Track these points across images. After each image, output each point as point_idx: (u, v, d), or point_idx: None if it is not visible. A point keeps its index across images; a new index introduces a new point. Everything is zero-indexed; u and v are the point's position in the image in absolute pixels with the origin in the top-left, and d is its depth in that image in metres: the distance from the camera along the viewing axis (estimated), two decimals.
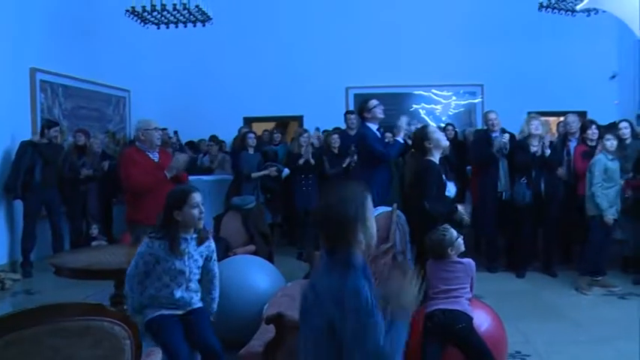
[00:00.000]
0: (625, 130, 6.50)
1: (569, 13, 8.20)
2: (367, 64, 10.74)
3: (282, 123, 11.27)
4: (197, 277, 3.48)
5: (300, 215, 7.72)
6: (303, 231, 7.78)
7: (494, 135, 7.03)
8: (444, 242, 3.54)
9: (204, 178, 8.01)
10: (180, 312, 3.40)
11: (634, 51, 9.51)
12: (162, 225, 3.38)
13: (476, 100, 11.30)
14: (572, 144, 6.82)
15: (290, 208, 8.04)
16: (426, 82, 11.13)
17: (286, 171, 7.67)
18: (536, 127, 6.58)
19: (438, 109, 11.46)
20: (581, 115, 10.62)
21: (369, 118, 5.83)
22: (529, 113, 7.18)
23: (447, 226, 3.68)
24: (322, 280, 2.05)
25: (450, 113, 11.38)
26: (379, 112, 5.82)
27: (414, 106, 11.41)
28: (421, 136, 4.48)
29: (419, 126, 6.04)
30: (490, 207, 6.89)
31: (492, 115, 7.22)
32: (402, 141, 5.96)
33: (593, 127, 6.73)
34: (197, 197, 3.37)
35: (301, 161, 7.60)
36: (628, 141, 6.48)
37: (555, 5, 7.97)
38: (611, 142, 5.98)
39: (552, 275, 6.58)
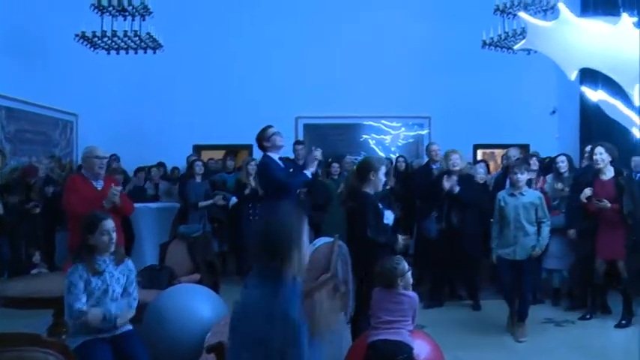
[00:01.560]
0: (562, 164, 6.72)
1: (510, 51, 8.54)
2: (317, 94, 10.85)
3: (232, 151, 11.24)
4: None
5: (247, 244, 7.70)
6: (249, 260, 7.76)
7: (434, 167, 7.22)
8: (396, 272, 3.59)
9: (151, 205, 7.93)
10: (107, 335, 3.42)
11: (572, 88, 9.92)
12: (79, 248, 3.50)
13: (423, 132, 11.56)
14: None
15: (238, 237, 8.00)
16: (376, 113, 11.32)
17: (233, 199, 7.66)
18: (454, 162, 6.59)
19: (387, 139, 11.66)
20: (524, 147, 11.04)
21: (269, 147, 5.56)
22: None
23: (400, 257, 3.77)
24: (253, 295, 2.13)
25: (399, 144, 11.59)
26: (279, 141, 5.58)
27: (364, 136, 11.59)
28: (369, 167, 4.58)
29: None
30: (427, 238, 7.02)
31: (434, 147, 7.41)
32: (309, 175, 5.64)
33: (534, 159, 6.99)
34: (108, 225, 3.51)
35: (247, 190, 7.58)
36: (565, 174, 6.70)
37: (497, 43, 8.30)
38: (517, 177, 5.55)
39: (476, 308, 6.68)
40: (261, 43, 11.02)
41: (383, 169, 4.66)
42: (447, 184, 6.50)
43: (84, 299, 3.33)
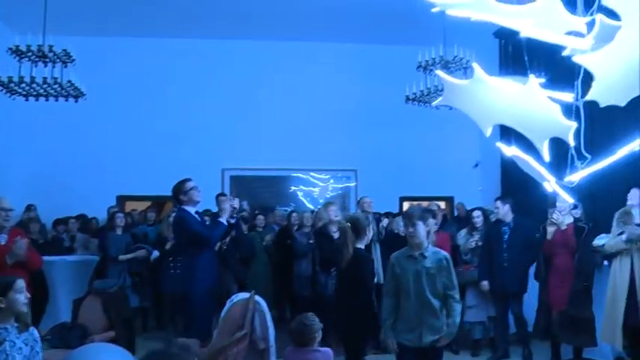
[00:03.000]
0: (477, 218, 6.94)
1: (433, 106, 8.76)
2: (244, 146, 10.86)
3: (158, 203, 10.96)
4: None
5: (168, 299, 7.44)
6: (171, 315, 7.50)
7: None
8: (313, 328, 3.54)
9: (67, 258, 7.58)
10: None
11: (493, 142, 10.25)
12: None
13: (352, 184, 11.65)
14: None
15: (159, 292, 7.73)
16: (304, 166, 11.37)
17: (155, 253, 7.42)
18: (335, 212, 6.67)
19: (315, 191, 11.68)
20: (449, 200, 11.29)
21: (185, 200, 5.42)
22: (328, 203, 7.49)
23: (312, 314, 3.70)
24: None
25: (328, 196, 11.61)
26: (196, 195, 5.45)
27: (292, 188, 11.58)
28: (364, 223, 4.65)
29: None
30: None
31: (367, 200, 7.49)
32: (225, 223, 5.50)
33: (430, 216, 7.13)
34: (21, 283, 3.40)
35: (169, 245, 7.35)
36: (480, 228, 6.90)
37: (420, 99, 8.54)
38: (412, 230, 4.07)
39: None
40: (188, 93, 11.00)
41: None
42: (336, 234, 6.52)
43: None
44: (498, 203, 6.75)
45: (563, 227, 5.99)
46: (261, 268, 7.76)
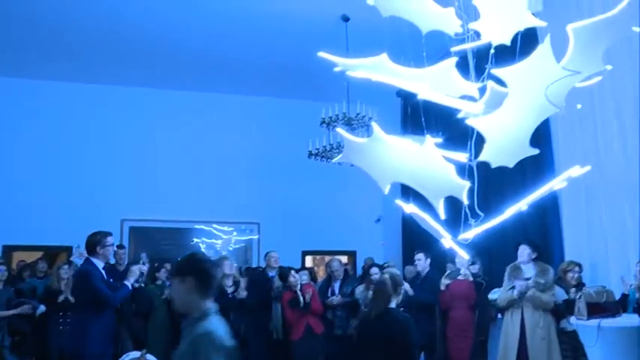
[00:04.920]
0: (375, 275, 7.05)
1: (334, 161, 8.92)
2: (145, 196, 10.57)
3: (50, 254, 10.33)
4: None
5: (55, 357, 6.94)
6: None
7: (270, 274, 7.20)
8: None
9: None
10: None
11: (394, 198, 10.53)
12: None
13: (255, 237, 11.54)
14: (337, 284, 7.23)
15: (44, 350, 7.20)
16: (207, 218, 11.17)
17: (42, 308, 6.93)
18: (229, 267, 6.68)
19: (218, 243, 11.48)
20: (351, 254, 11.40)
21: (99, 254, 5.09)
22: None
23: None
24: None
25: (230, 248, 11.44)
26: (110, 252, 5.27)
27: (195, 239, 11.33)
28: (400, 280, 4.45)
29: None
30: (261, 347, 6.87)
31: (274, 254, 7.46)
32: (129, 287, 5.32)
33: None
34: None
35: (61, 298, 6.91)
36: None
37: (322, 154, 8.65)
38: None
39: None
40: (86, 140, 10.66)
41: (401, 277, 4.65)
42: (230, 288, 6.55)
43: None
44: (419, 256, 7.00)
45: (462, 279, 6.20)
46: (161, 322, 7.44)
